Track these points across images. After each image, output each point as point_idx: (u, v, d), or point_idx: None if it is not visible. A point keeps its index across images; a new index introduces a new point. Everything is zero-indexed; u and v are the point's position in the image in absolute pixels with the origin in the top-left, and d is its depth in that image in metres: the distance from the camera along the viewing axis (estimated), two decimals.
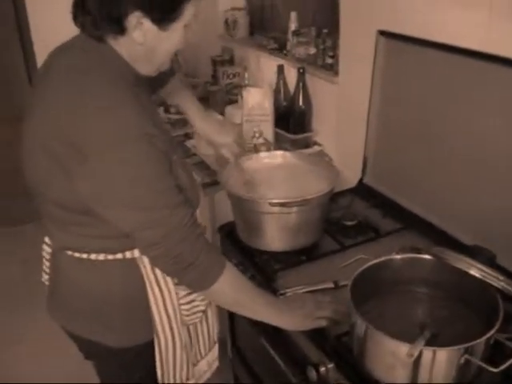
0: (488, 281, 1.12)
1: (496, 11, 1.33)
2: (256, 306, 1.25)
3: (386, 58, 1.69)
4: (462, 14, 1.41)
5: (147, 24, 1.06)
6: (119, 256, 1.21)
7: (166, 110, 2.55)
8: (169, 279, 1.24)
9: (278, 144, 2.22)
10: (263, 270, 1.49)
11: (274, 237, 1.50)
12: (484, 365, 0.98)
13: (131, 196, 1.07)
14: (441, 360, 1.01)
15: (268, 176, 1.61)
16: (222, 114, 2.46)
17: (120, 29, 1.07)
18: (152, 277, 1.23)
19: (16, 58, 3.27)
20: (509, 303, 1.15)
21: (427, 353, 0.99)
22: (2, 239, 3.50)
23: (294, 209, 1.42)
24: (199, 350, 1.42)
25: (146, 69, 1.17)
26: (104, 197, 1.07)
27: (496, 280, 1.13)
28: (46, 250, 1.35)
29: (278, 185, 1.57)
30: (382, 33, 1.66)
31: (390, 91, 1.71)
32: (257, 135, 2.14)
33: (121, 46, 1.10)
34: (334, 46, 2.07)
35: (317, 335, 1.27)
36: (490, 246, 1.31)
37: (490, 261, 1.20)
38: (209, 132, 1.59)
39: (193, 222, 1.14)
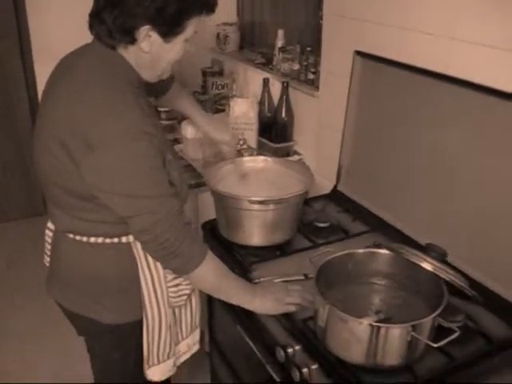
0: (438, 273, 1.27)
1: (457, 39, 1.50)
2: (232, 291, 1.40)
3: (361, 76, 1.85)
4: (428, 40, 1.58)
5: (154, 36, 1.22)
6: (115, 240, 1.35)
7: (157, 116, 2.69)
8: (159, 264, 1.38)
9: (261, 152, 2.37)
10: (241, 262, 1.63)
11: (252, 232, 1.64)
12: (426, 340, 1.13)
13: (129, 185, 1.21)
14: (392, 337, 1.15)
15: (251, 177, 1.77)
16: None
17: (131, 39, 1.22)
18: (144, 260, 1.37)
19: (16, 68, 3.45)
20: (457, 296, 1.32)
21: (381, 330, 1.14)
22: None
23: (271, 206, 1.57)
24: (181, 331, 1.55)
25: (149, 74, 1.33)
26: (105, 185, 1.22)
27: (445, 273, 1.28)
28: (48, 234, 1.48)
29: (259, 185, 1.72)
30: (358, 53, 1.82)
31: (364, 106, 1.87)
32: (241, 142, 2.29)
33: (129, 53, 1.26)
34: (316, 63, 2.24)
35: (285, 319, 1.41)
36: (445, 247, 1.47)
37: (441, 256, 1.35)
38: (211, 130, 1.76)
39: (180, 213, 1.29)
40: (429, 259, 1.29)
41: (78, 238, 1.35)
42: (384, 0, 1.72)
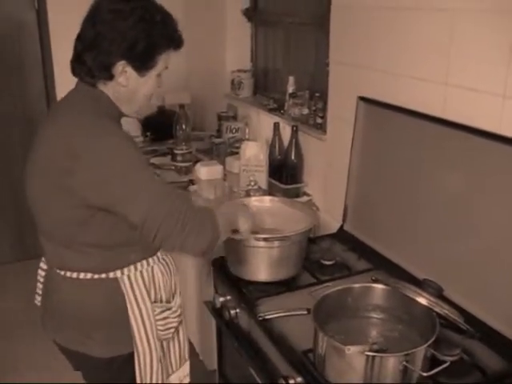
0: (432, 308, 1.33)
1: (451, 84, 1.59)
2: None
3: (364, 120, 1.94)
4: (424, 86, 1.67)
5: (130, 71, 1.38)
6: (103, 276, 1.41)
7: (173, 158, 2.81)
8: (146, 298, 1.44)
9: (272, 193, 2.45)
10: (247, 297, 1.70)
11: (259, 269, 1.72)
12: (418, 370, 1.18)
13: (134, 179, 1.32)
14: (386, 366, 1.21)
15: (257, 217, 1.84)
16: (224, 164, 2.72)
17: (109, 75, 1.38)
18: (132, 295, 1.43)
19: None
20: (455, 330, 1.37)
21: (375, 359, 1.20)
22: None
23: (276, 243, 1.65)
24: (171, 364, 1.60)
25: (128, 109, 1.47)
26: (108, 194, 1.31)
27: (439, 308, 1.34)
28: (41, 274, 1.56)
29: (265, 224, 1.80)
30: (362, 98, 1.92)
31: (368, 149, 1.96)
32: (252, 183, 2.38)
33: (108, 89, 1.41)
34: (324, 108, 2.34)
35: (286, 350, 1.46)
36: (444, 282, 1.52)
37: (437, 292, 1.41)
38: None
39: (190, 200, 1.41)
40: (424, 294, 1.35)
41: (68, 274, 1.43)
42: (384, 49, 1.83)
